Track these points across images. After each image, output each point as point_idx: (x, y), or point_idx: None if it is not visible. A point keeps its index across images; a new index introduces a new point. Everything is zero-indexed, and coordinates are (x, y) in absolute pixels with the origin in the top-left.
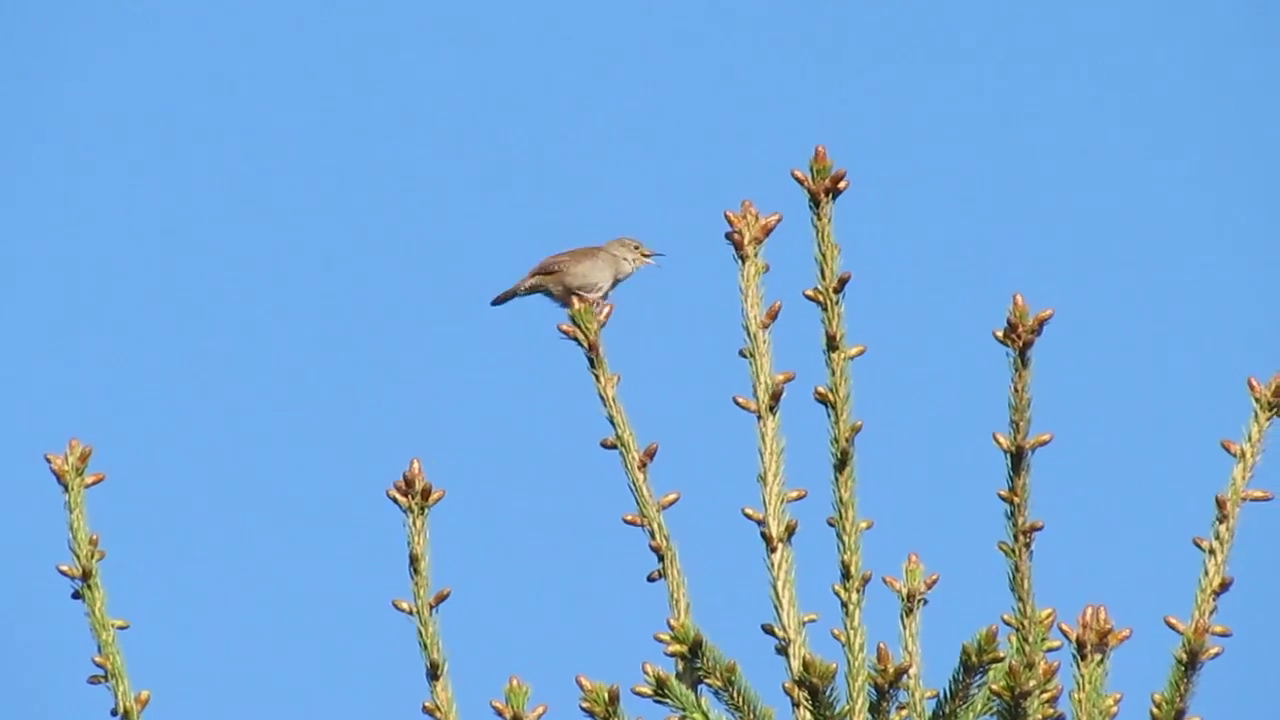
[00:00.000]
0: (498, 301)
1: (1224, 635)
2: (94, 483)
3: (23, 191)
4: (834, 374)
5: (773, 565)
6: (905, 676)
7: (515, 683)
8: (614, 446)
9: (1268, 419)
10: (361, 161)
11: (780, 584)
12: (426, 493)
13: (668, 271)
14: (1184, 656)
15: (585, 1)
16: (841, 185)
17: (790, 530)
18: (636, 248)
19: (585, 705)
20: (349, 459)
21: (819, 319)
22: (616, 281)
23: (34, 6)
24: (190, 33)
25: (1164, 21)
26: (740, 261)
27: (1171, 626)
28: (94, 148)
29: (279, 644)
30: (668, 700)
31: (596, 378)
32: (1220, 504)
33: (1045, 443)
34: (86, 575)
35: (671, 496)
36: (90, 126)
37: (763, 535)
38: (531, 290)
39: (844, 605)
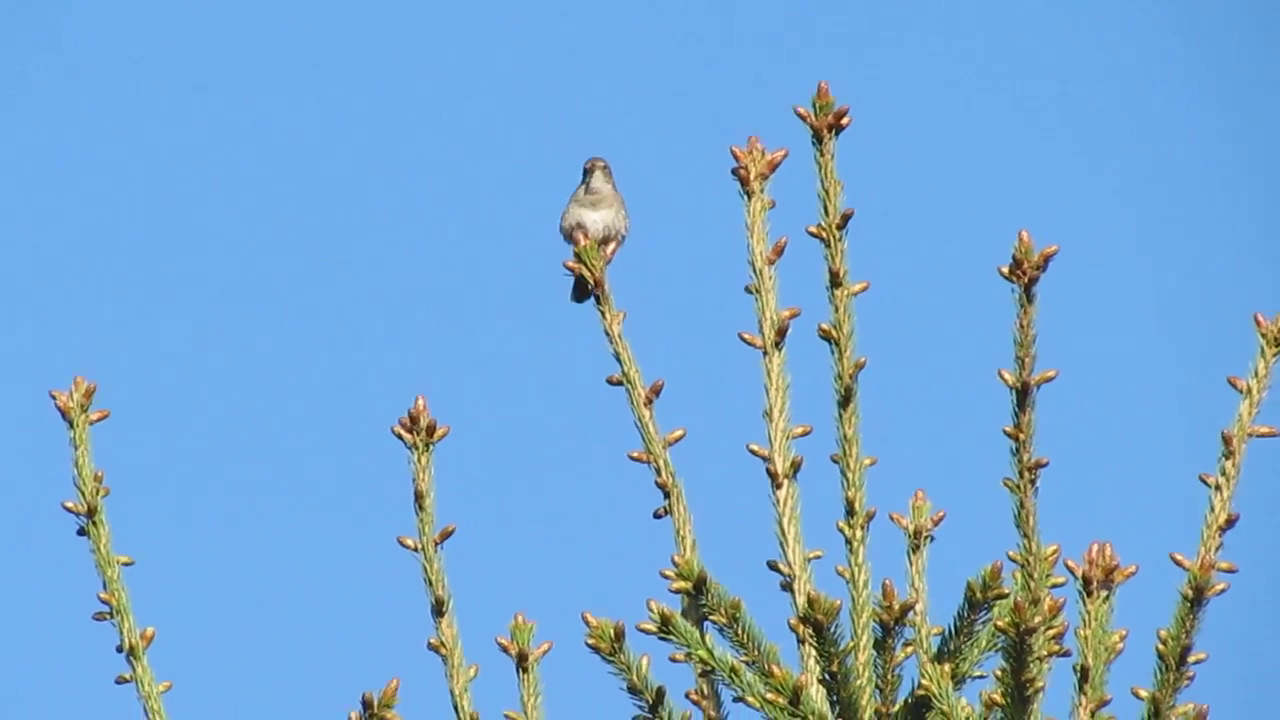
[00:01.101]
0: (579, 298)
1: (1230, 572)
2: (98, 419)
3: (57, 159)
4: (837, 310)
5: (778, 501)
6: (910, 613)
7: (520, 619)
8: (619, 383)
9: (1274, 355)
10: (369, 123)
11: (785, 520)
12: (431, 430)
13: (674, 206)
14: (1190, 593)
15: None
16: (844, 121)
17: (795, 466)
18: (591, 169)
19: (590, 642)
20: (353, 395)
21: (823, 256)
22: (594, 200)
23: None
24: (203, 21)
25: None
26: (746, 197)
27: (1177, 563)
28: (120, 126)
29: (284, 581)
30: (672, 637)
31: (602, 314)
32: (1226, 440)
33: (1050, 379)
34: (91, 512)
35: (677, 433)
36: (126, 105)
37: (768, 472)
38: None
39: (848, 542)
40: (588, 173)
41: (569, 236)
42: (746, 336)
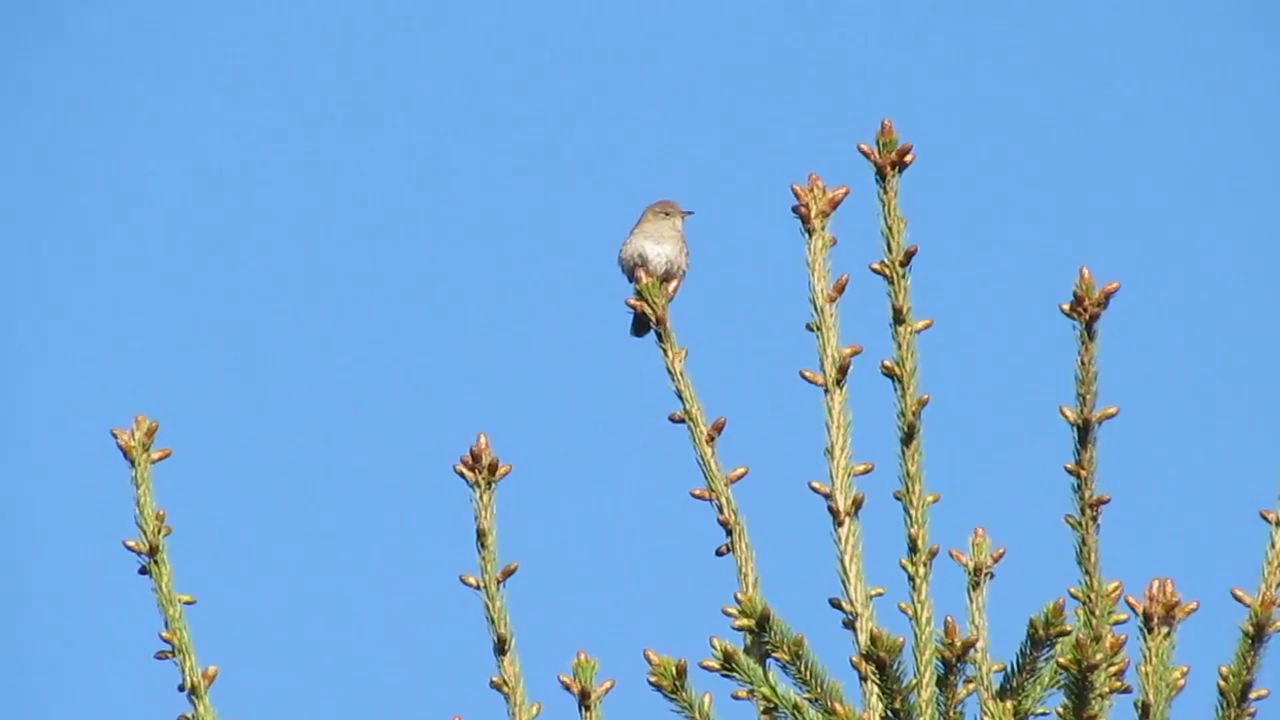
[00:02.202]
0: (639, 332)
1: None
2: (160, 458)
3: (98, 191)
4: (900, 347)
5: (840, 539)
6: (972, 650)
7: (583, 657)
8: (682, 421)
9: None
10: (431, 148)
11: (847, 557)
12: (493, 467)
13: (735, 244)
14: (1251, 629)
15: None
16: (907, 158)
17: (857, 504)
18: (666, 213)
19: (653, 679)
20: (417, 433)
21: (885, 292)
22: (667, 240)
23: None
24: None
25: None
26: (807, 235)
27: (1238, 599)
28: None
29: (347, 620)
30: (735, 674)
31: (664, 351)
32: None
33: (1112, 416)
34: (153, 551)
35: (739, 471)
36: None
37: (830, 509)
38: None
39: (911, 579)
40: (664, 215)
41: (629, 268)
42: (808, 374)
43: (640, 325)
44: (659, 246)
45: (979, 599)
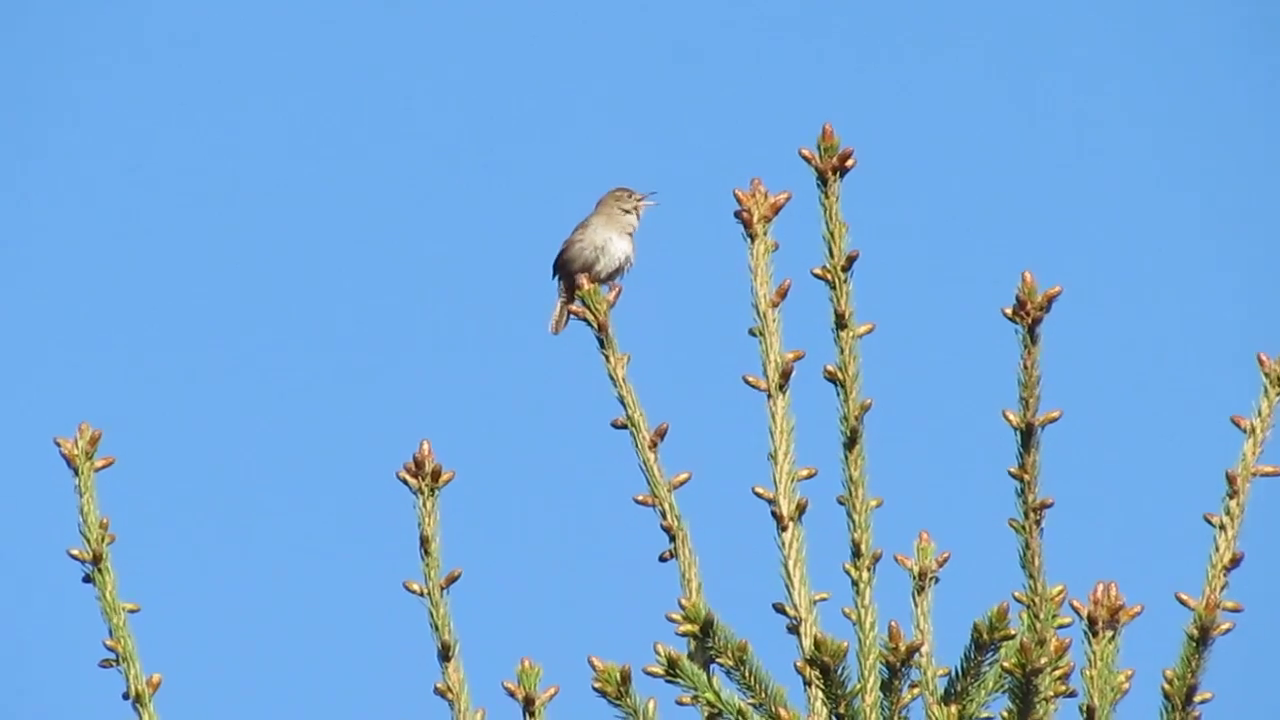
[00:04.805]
0: (558, 330)
1: (1235, 611)
2: (104, 466)
3: (47, 187)
4: (843, 352)
5: (783, 544)
6: (917, 655)
7: (527, 664)
8: (624, 426)
9: (1277, 394)
10: (363, 154)
11: (791, 563)
12: (437, 474)
13: (677, 248)
14: (1195, 632)
15: None
16: (849, 163)
17: (801, 509)
18: (629, 195)
19: (597, 686)
20: (359, 441)
21: (828, 297)
22: (626, 234)
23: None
24: (204, 33)
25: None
26: (749, 240)
27: (1183, 602)
28: (115, 144)
29: (291, 627)
30: (679, 680)
31: (606, 358)
32: (1230, 479)
33: (1055, 419)
34: (97, 559)
35: (682, 476)
36: (112, 123)
37: (773, 514)
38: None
39: (855, 584)
40: (629, 198)
41: (589, 260)
42: (751, 379)
43: (559, 324)
44: (622, 242)
45: (923, 603)
